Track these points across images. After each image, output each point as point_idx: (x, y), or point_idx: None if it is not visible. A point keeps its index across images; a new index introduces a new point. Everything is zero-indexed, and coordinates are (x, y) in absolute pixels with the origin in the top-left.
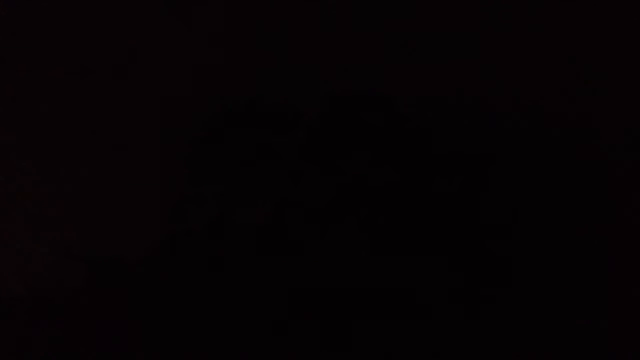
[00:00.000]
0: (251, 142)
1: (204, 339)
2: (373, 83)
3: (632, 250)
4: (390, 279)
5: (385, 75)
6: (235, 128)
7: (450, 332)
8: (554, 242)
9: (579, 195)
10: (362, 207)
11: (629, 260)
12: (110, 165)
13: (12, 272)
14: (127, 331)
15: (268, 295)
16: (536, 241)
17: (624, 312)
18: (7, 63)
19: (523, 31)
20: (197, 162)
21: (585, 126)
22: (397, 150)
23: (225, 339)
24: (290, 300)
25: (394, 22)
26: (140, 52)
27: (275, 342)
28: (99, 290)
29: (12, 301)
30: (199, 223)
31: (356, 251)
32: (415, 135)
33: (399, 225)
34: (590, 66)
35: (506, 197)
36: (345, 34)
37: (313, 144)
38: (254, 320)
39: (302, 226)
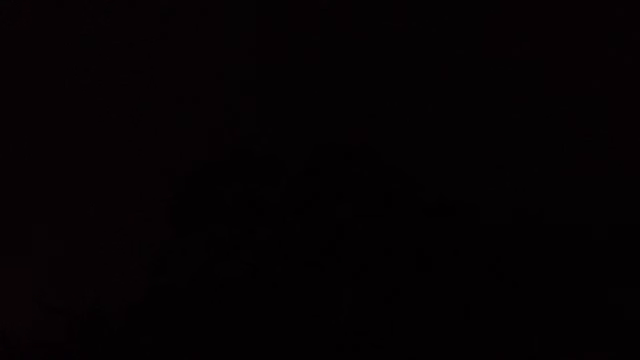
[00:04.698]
0: (234, 194)
1: None
2: (357, 135)
3: None
4: (375, 326)
5: (371, 128)
6: (219, 180)
7: None
8: (537, 291)
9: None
10: (346, 257)
11: None
12: (92, 217)
13: None
14: None
15: (250, 347)
16: (523, 288)
17: None
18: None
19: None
20: (180, 215)
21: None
22: (381, 200)
23: None
24: (273, 351)
25: (378, 74)
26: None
27: None
28: (79, 344)
29: None
30: (182, 276)
31: (339, 301)
32: (399, 185)
33: (383, 274)
34: None
35: (492, 245)
36: (332, 87)
37: (296, 195)
38: None
39: (284, 277)
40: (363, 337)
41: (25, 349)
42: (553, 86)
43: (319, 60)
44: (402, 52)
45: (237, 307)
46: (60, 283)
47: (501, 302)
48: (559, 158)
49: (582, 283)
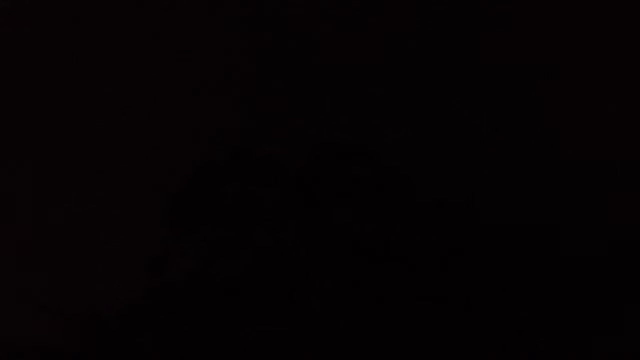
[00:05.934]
0: (233, 195)
1: None
2: (357, 136)
3: None
4: (372, 328)
5: (369, 128)
6: (218, 181)
7: None
8: (538, 289)
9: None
10: (344, 258)
11: None
12: (89, 217)
13: None
14: None
15: (248, 346)
16: (520, 285)
17: None
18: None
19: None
20: (177, 215)
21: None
22: (380, 202)
23: None
24: (272, 352)
25: (378, 77)
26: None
27: None
28: (77, 346)
29: None
30: (180, 276)
31: (338, 302)
32: (399, 186)
33: (382, 275)
34: None
35: (490, 246)
36: (332, 88)
37: (296, 196)
38: None
39: (282, 278)
40: (361, 339)
41: (22, 351)
42: (553, 86)
43: (318, 59)
44: (401, 51)
45: (235, 308)
46: (58, 284)
47: (500, 302)
48: (558, 158)
49: (581, 283)
